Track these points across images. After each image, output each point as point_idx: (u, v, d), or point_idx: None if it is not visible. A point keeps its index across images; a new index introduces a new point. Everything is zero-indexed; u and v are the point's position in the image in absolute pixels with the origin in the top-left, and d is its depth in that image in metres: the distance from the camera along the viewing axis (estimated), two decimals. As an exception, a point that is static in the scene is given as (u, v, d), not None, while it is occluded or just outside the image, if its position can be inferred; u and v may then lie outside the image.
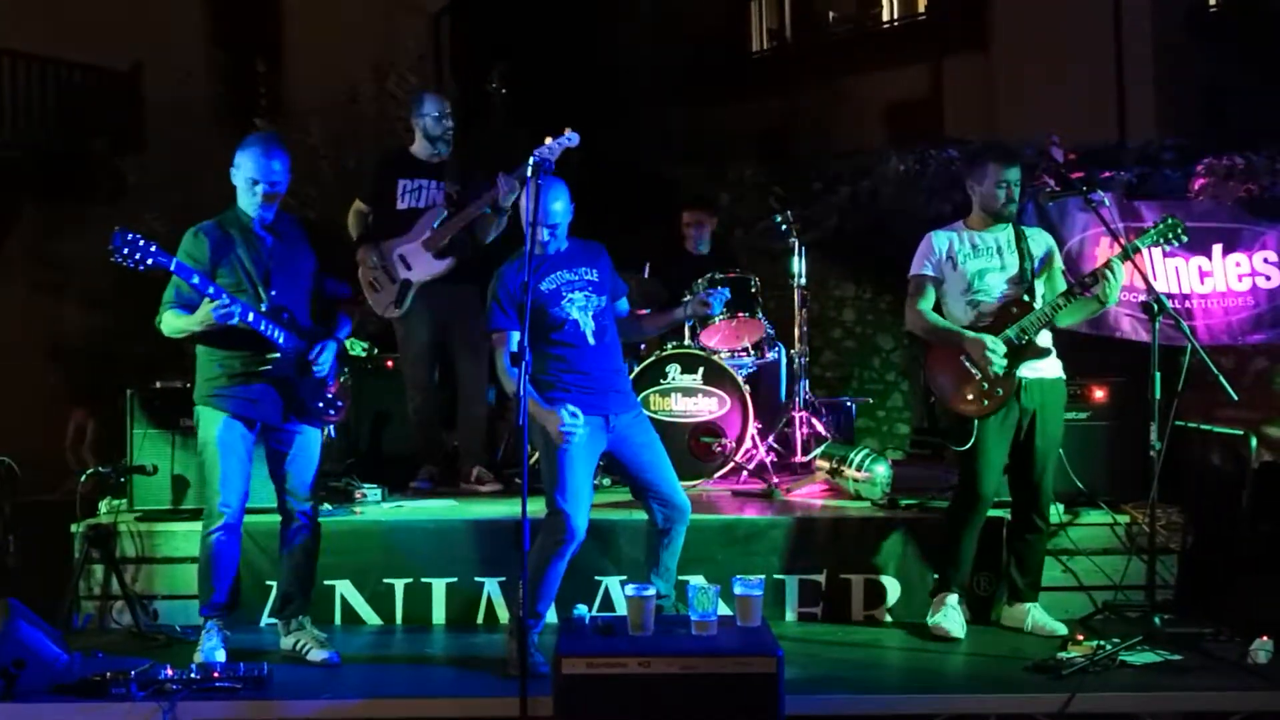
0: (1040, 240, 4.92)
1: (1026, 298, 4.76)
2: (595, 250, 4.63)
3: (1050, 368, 4.79)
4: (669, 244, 6.97)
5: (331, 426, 4.80)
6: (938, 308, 4.83)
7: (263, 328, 4.33)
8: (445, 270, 5.92)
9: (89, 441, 8.96)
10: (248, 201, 4.44)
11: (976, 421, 4.68)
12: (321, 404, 4.53)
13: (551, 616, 4.58)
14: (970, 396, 4.68)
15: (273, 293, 4.42)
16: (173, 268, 4.20)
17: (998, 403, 4.68)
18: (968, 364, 4.68)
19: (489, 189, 5.77)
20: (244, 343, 4.37)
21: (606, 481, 6.02)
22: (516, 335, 4.31)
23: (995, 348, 4.64)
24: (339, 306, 4.66)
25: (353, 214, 6.20)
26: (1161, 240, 4.85)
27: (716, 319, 6.17)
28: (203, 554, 4.46)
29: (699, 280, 6.31)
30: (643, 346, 6.38)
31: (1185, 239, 4.84)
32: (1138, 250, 4.83)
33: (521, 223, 4.46)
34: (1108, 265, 4.70)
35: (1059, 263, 4.92)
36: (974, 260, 4.79)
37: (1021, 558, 4.86)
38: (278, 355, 4.39)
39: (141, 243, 4.10)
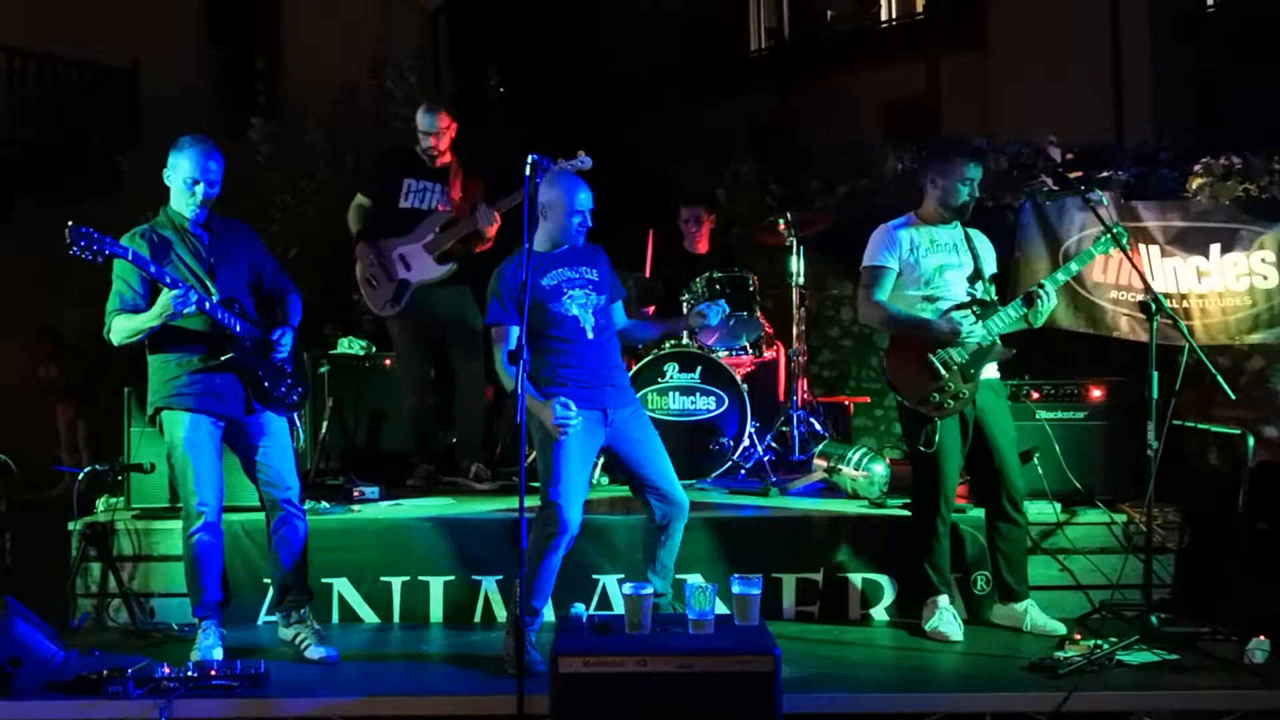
0: (986, 244, 4.94)
1: (986, 297, 4.79)
2: (594, 251, 4.66)
3: (989, 369, 4.83)
4: (667, 242, 6.96)
5: (300, 423, 4.84)
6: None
7: (220, 316, 4.37)
8: (445, 275, 5.94)
9: (82, 440, 8.94)
10: (184, 202, 4.46)
11: (938, 422, 4.69)
12: (284, 389, 4.57)
13: (549, 615, 4.58)
14: (935, 397, 4.68)
15: (218, 285, 4.45)
16: (129, 257, 4.23)
17: (962, 404, 4.69)
18: (934, 361, 4.69)
19: (476, 210, 5.81)
20: (197, 339, 4.41)
21: (604, 480, 6.02)
22: (515, 330, 4.34)
23: (969, 326, 4.67)
24: (285, 298, 4.69)
25: (354, 208, 6.20)
26: (1107, 249, 4.94)
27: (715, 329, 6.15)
28: (187, 555, 4.47)
29: (697, 279, 6.31)
30: (640, 345, 6.38)
31: (1125, 246, 4.90)
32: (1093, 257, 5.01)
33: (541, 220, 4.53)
34: (1040, 286, 4.73)
35: (993, 269, 4.96)
36: (934, 255, 4.80)
37: (1006, 555, 4.85)
38: (236, 342, 4.42)
39: (96, 235, 4.14)
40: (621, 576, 4.93)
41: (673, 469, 4.60)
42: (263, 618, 5.02)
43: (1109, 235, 4.84)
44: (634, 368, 6.10)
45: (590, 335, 4.47)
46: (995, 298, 4.85)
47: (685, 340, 6.29)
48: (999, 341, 4.76)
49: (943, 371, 4.67)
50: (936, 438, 4.68)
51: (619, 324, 4.72)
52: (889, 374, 4.81)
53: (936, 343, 4.68)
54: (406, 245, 5.94)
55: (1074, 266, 4.99)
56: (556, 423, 4.25)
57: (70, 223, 4.10)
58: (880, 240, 4.84)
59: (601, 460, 4.91)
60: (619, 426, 4.51)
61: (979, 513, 5.03)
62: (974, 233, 4.92)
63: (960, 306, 4.77)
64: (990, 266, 4.93)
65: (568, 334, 4.44)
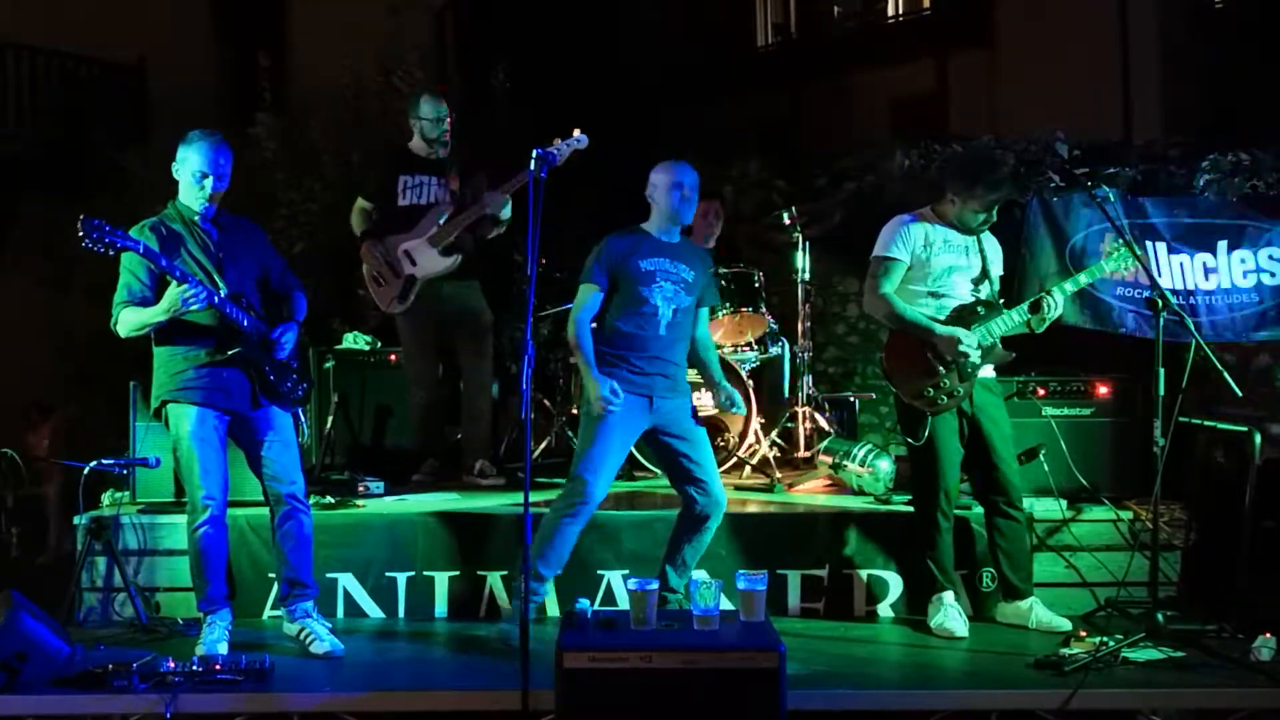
0: (995, 246, 4.94)
1: (991, 300, 4.78)
2: (701, 256, 4.81)
3: (985, 369, 4.83)
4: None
5: (304, 418, 4.86)
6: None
7: (228, 310, 4.38)
8: (451, 267, 5.93)
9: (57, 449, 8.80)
10: (193, 196, 4.47)
11: (931, 417, 4.69)
12: (289, 384, 4.59)
13: (554, 610, 4.59)
14: (930, 393, 4.69)
15: (226, 280, 4.46)
16: (141, 250, 4.24)
17: (956, 401, 4.71)
18: (932, 359, 4.68)
19: (482, 196, 5.81)
20: (204, 333, 4.42)
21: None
22: (593, 291, 4.55)
23: (970, 344, 4.65)
24: (290, 295, 4.70)
25: (356, 211, 6.20)
26: (1119, 266, 4.92)
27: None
28: (192, 549, 4.47)
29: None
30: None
31: (1139, 259, 4.87)
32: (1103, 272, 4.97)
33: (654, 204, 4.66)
34: (1048, 293, 4.73)
35: (1000, 271, 4.96)
36: (946, 255, 4.80)
37: (1008, 553, 4.85)
38: (243, 337, 4.43)
39: (108, 227, 4.16)
40: (627, 572, 4.94)
41: (716, 467, 4.68)
42: (268, 612, 5.03)
43: (1123, 250, 4.81)
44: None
45: (663, 331, 4.58)
46: (1000, 299, 4.85)
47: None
48: (999, 344, 4.77)
49: (940, 368, 4.67)
50: (926, 432, 4.69)
51: (699, 332, 4.80)
52: (886, 366, 4.83)
53: (934, 349, 4.68)
54: (411, 240, 5.94)
55: (1083, 279, 4.97)
56: (602, 401, 4.40)
57: (82, 215, 4.11)
58: (894, 231, 4.83)
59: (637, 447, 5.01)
60: (666, 415, 4.61)
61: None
62: (984, 234, 4.91)
63: (964, 307, 4.77)
64: (997, 268, 4.94)
65: (644, 320, 4.55)
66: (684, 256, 4.68)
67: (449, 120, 6.01)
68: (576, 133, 5.20)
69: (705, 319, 4.85)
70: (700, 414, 4.62)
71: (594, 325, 4.59)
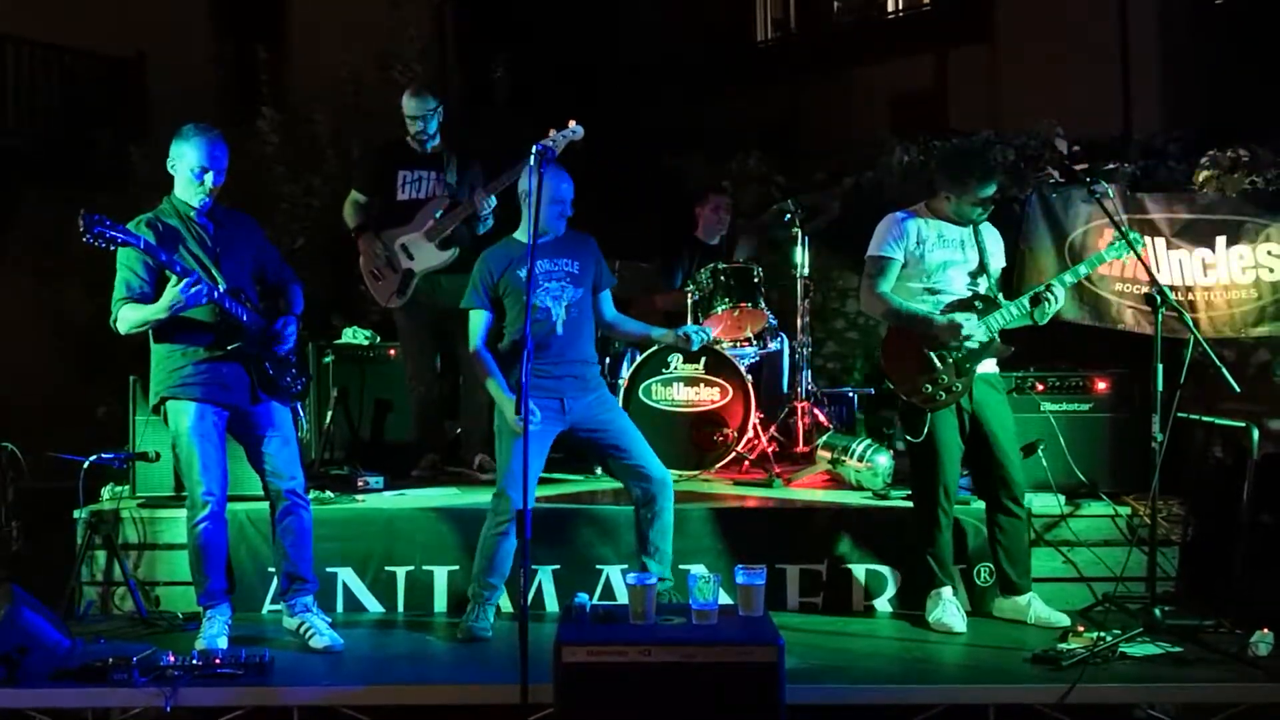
0: (995, 238, 4.93)
1: (989, 294, 4.79)
2: (582, 242, 4.73)
3: (986, 364, 4.83)
4: (680, 232, 6.96)
5: (304, 413, 4.86)
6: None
7: (228, 305, 4.38)
8: (449, 260, 5.94)
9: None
10: (190, 191, 4.46)
11: (930, 414, 4.70)
12: (289, 378, 4.59)
13: (552, 605, 4.59)
14: (928, 389, 4.69)
15: (224, 275, 4.46)
16: (142, 245, 4.23)
17: (954, 398, 4.70)
18: (930, 354, 4.68)
19: (474, 193, 5.82)
20: (203, 329, 4.41)
21: (599, 470, 6.04)
22: (483, 315, 4.58)
23: (971, 328, 4.66)
24: (287, 288, 4.70)
25: (349, 204, 6.20)
26: (1119, 255, 4.99)
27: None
28: (191, 545, 4.47)
29: (703, 270, 6.31)
30: (622, 342, 6.37)
31: (1139, 252, 4.87)
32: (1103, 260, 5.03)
33: (523, 209, 4.58)
34: (1048, 287, 4.73)
35: (1002, 263, 4.96)
36: (940, 250, 4.79)
37: (1007, 549, 4.85)
38: (243, 332, 4.43)
39: (109, 222, 4.15)
40: (625, 567, 4.94)
41: (648, 446, 4.67)
42: (267, 607, 5.03)
43: (1122, 240, 4.82)
44: (639, 358, 6.12)
45: (560, 330, 4.57)
46: (999, 293, 4.85)
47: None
48: (998, 338, 4.77)
49: (937, 364, 4.68)
50: (925, 428, 4.69)
51: (606, 315, 4.83)
52: (884, 362, 4.83)
53: (936, 339, 4.69)
54: (408, 235, 5.95)
55: (1082, 270, 5.00)
56: (519, 422, 4.27)
57: (83, 210, 4.11)
58: (887, 230, 4.82)
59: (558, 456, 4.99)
60: (581, 414, 4.61)
61: (982, 505, 5.03)
62: (984, 226, 4.90)
63: (961, 302, 4.77)
64: (998, 261, 4.92)
65: (538, 324, 4.54)
66: (563, 250, 4.64)
67: (430, 116, 5.98)
68: (572, 123, 5.18)
69: (609, 300, 4.86)
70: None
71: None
